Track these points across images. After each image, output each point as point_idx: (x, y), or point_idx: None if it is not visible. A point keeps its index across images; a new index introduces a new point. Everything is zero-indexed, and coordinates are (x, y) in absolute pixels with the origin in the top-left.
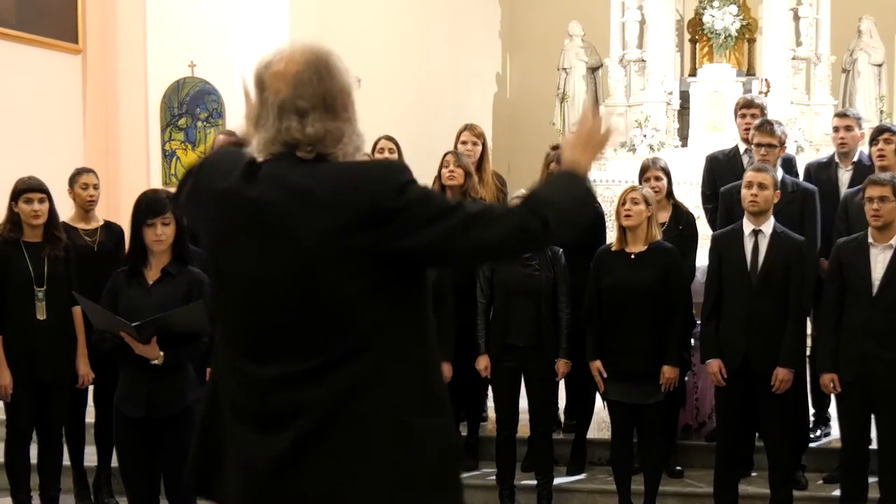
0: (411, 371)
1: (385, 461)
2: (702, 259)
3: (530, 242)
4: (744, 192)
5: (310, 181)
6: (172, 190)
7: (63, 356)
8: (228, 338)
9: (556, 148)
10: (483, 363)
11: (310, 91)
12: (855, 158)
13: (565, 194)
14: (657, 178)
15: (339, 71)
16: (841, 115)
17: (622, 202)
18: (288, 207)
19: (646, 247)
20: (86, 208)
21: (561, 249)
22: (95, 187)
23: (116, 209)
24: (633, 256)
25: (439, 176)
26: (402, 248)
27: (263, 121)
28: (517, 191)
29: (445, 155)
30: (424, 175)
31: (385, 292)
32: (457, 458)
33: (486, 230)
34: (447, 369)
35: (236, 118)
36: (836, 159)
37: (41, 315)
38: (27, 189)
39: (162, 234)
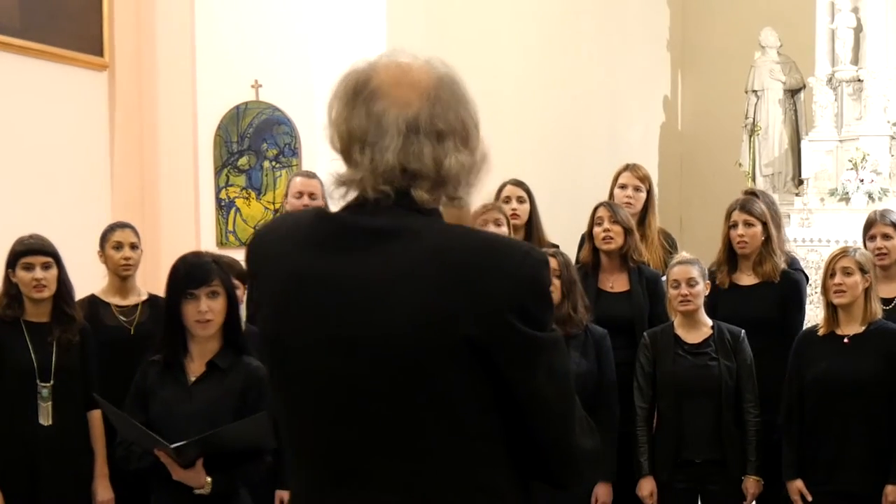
0: None
1: None
2: None
3: (590, 473)
4: None
5: (429, 247)
6: (230, 253)
7: (74, 476)
8: (298, 459)
9: (748, 193)
10: (647, 488)
11: (450, 114)
12: None
13: None
14: (886, 237)
15: (471, 100)
16: None
17: (829, 273)
18: (394, 282)
19: (863, 327)
20: (121, 275)
21: (743, 331)
22: (133, 247)
23: (154, 279)
24: (846, 340)
25: (591, 236)
26: (511, 380)
27: (373, 139)
28: (680, 254)
29: (597, 208)
30: (571, 233)
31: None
32: None
33: (586, 435)
34: (605, 493)
35: (316, 156)
36: None
37: (45, 420)
38: (27, 251)
39: (207, 310)
